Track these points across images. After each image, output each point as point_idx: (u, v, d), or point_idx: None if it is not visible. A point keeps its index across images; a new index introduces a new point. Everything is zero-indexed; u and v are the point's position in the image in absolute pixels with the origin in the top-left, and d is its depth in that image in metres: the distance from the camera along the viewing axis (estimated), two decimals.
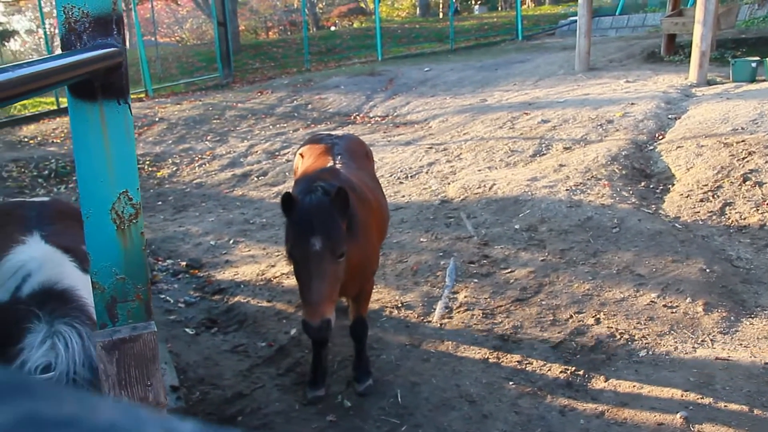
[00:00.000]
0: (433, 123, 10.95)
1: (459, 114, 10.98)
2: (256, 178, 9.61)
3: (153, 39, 20.79)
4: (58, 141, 12.22)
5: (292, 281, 5.95)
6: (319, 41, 23.65)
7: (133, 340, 1.81)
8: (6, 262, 3.02)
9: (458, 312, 5.25)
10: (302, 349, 4.89)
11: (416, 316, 5.25)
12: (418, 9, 33.53)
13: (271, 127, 12.35)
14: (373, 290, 5.63)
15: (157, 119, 12.98)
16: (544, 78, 12.91)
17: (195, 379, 4.60)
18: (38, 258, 3.01)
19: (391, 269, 6.01)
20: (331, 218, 3.48)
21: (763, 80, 10.71)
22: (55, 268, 2.97)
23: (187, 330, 5.31)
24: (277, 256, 6.52)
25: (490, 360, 4.62)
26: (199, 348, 5.02)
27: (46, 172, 10.42)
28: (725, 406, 4.01)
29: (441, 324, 5.12)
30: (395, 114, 12.26)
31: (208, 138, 11.91)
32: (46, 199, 4.00)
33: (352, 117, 12.60)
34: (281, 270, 6.21)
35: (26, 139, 12.44)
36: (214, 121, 12.89)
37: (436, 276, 5.79)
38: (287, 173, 9.32)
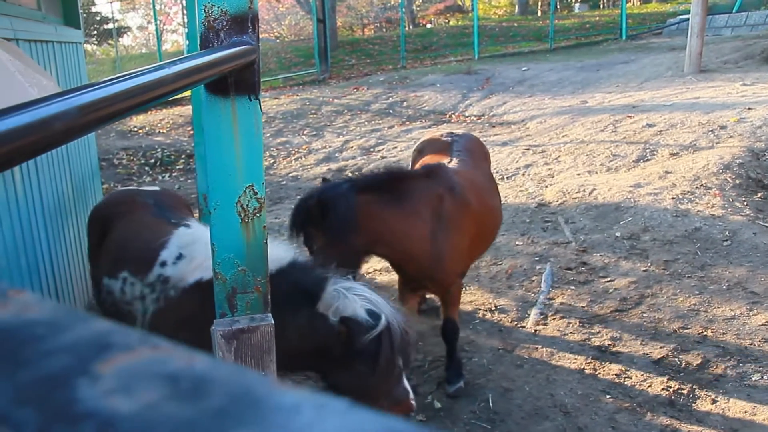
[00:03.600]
0: (530, 124, 10.72)
1: (558, 115, 10.70)
2: (350, 174, 9.75)
3: None
4: (164, 131, 12.87)
5: (388, 277, 5.99)
6: (415, 39, 23.68)
7: (250, 331, 1.87)
8: (191, 241, 3.21)
9: (554, 319, 5.11)
10: None
11: (510, 320, 5.16)
12: (516, 7, 32.94)
13: (366, 123, 12.49)
14: (466, 292, 5.59)
15: None
16: (650, 80, 12.36)
17: None
18: (197, 228, 3.38)
19: (485, 271, 5.93)
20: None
21: None
22: None
23: None
24: None
25: (587, 371, 4.47)
26: None
27: (153, 160, 11.00)
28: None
29: (535, 330, 5.00)
30: (491, 114, 12.10)
31: (305, 132, 12.19)
32: (156, 188, 4.11)
33: (448, 116, 12.54)
34: (374, 266, 6.26)
35: (135, 129, 13.18)
36: (311, 115, 13.17)
37: (531, 281, 5.66)
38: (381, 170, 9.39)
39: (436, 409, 4.21)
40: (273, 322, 1.89)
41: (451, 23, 32.57)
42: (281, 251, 3.02)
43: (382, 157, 10.19)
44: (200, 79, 1.49)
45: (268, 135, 12.09)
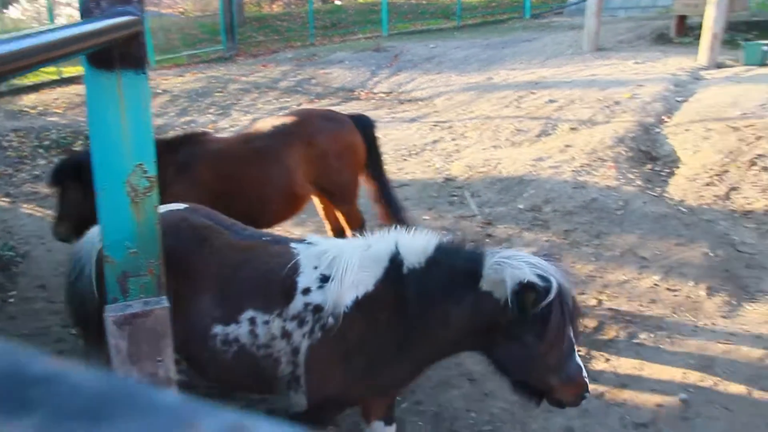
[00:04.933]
0: (438, 100, 10.88)
1: (464, 92, 10.91)
2: None
3: (156, 9, 20.58)
4: (60, 111, 12.15)
5: None
6: (324, 15, 23.38)
7: (145, 315, 1.82)
8: (329, 259, 2.84)
9: None
10: None
11: None
12: None
13: (274, 101, 12.28)
14: None
15: (159, 91, 12.89)
16: (552, 57, 12.79)
17: None
18: (325, 242, 3.01)
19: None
20: None
21: None
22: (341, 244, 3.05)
23: None
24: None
25: None
26: None
27: (47, 142, 10.37)
28: (725, 389, 4.04)
29: None
30: (400, 90, 12.18)
31: (211, 111, 11.84)
32: (181, 205, 3.27)
33: (357, 93, 12.52)
34: None
35: (27, 109, 12.37)
36: (217, 94, 12.81)
37: None
38: None
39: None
40: (168, 304, 1.85)
41: (360, 0, 32.36)
42: (421, 240, 2.83)
43: None
44: (79, 49, 1.42)
45: (173, 114, 11.66)
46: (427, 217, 6.50)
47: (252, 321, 2.82)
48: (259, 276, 2.88)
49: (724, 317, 4.81)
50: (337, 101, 12.03)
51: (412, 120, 9.91)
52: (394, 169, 7.87)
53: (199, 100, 12.47)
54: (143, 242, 1.85)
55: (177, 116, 11.53)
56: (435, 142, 8.64)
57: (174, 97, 12.53)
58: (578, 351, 2.83)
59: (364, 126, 4.96)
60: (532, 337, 2.64)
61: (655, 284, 5.16)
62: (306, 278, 2.82)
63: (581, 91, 9.68)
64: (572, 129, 8.40)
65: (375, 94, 12.36)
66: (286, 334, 2.79)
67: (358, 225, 4.96)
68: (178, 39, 19.93)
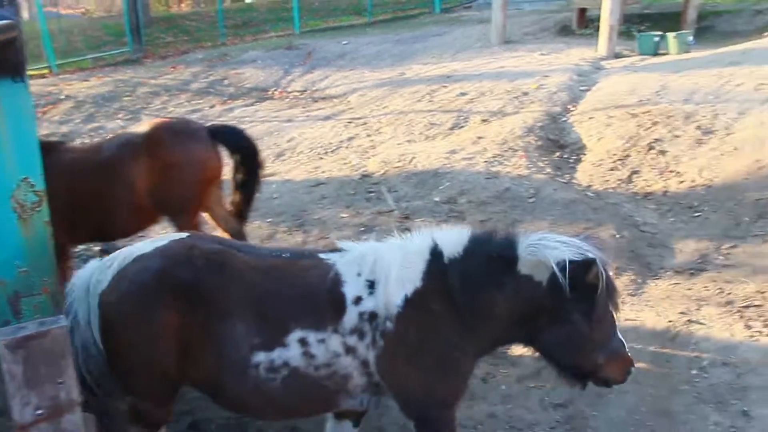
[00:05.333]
0: (352, 97, 10.89)
1: (378, 88, 10.97)
2: None
3: (55, 10, 19.57)
4: None
5: None
6: (234, 14, 22.92)
7: (41, 336, 1.72)
8: (369, 262, 2.77)
9: None
10: None
11: None
12: None
13: (186, 103, 11.94)
14: None
15: (62, 97, 12.27)
16: (462, 51, 13.05)
17: None
18: (359, 247, 2.90)
19: (313, 246, 5.98)
20: None
21: (665, 54, 11.24)
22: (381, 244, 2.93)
23: None
24: None
25: None
26: None
27: None
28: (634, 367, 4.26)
29: None
30: (314, 88, 12.10)
31: (120, 116, 11.38)
32: (181, 234, 3.02)
33: (270, 92, 12.35)
34: None
35: None
36: (126, 98, 12.32)
37: None
38: None
39: None
40: (66, 323, 1.76)
41: None
42: (455, 232, 2.84)
43: None
44: None
45: (78, 121, 11.13)
46: (345, 215, 6.49)
47: (303, 342, 2.68)
48: (299, 293, 2.74)
49: (631, 295, 5.06)
50: (251, 101, 11.83)
51: (327, 118, 9.87)
52: (310, 168, 7.83)
53: (107, 105, 11.96)
54: (34, 260, 1.75)
55: (83, 123, 11.01)
56: (350, 139, 8.65)
57: (79, 102, 11.96)
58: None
59: (228, 138, 4.79)
60: (578, 315, 2.68)
61: None
62: (353, 287, 2.73)
63: (491, 83, 9.92)
64: (483, 121, 8.60)
65: (289, 92, 12.23)
66: (350, 350, 2.69)
67: None
68: (80, 41, 19.01)
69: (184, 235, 2.96)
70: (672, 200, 6.52)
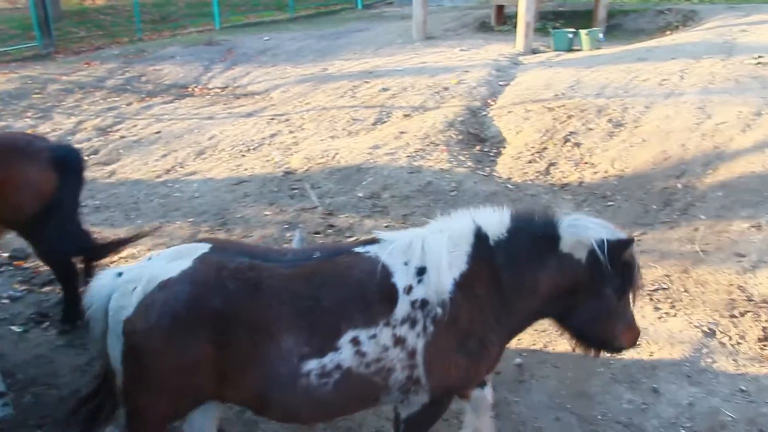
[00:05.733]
0: (274, 93, 10.74)
1: (300, 84, 10.87)
2: (86, 157, 8.88)
3: None
4: None
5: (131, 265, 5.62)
6: (151, 8, 22.14)
7: None
8: (415, 250, 2.76)
9: None
10: None
11: None
12: None
13: (101, 101, 11.46)
14: None
15: None
16: (384, 47, 13.10)
17: (25, 381, 4.23)
18: (401, 235, 2.89)
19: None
20: None
21: (578, 50, 11.67)
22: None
23: (13, 328, 4.85)
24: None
25: None
26: (29, 346, 4.61)
27: None
28: (553, 349, 4.45)
29: None
30: (236, 85, 11.86)
31: (29, 115, 10.81)
32: (203, 246, 2.82)
33: (190, 89, 12.01)
34: (119, 254, 5.84)
35: None
36: (35, 95, 11.71)
37: None
38: (121, 150, 8.73)
39: None
40: None
41: None
42: (495, 213, 2.89)
43: (122, 137, 9.44)
44: None
45: None
46: (268, 213, 6.40)
47: (355, 341, 2.65)
48: (347, 293, 2.69)
49: None
50: (170, 98, 11.47)
51: (249, 115, 9.70)
52: (232, 166, 7.68)
53: (14, 103, 11.32)
54: None
55: None
56: (273, 135, 8.53)
57: None
58: None
59: (63, 160, 4.60)
60: (611, 290, 2.86)
61: None
62: (402, 277, 2.72)
63: (412, 79, 10.01)
64: (406, 116, 8.67)
65: (210, 89, 11.94)
66: (399, 341, 2.69)
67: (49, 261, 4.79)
68: None
69: (204, 248, 2.77)
70: (587, 191, 6.76)
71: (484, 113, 8.67)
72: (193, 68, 12.98)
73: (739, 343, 4.45)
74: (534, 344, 4.49)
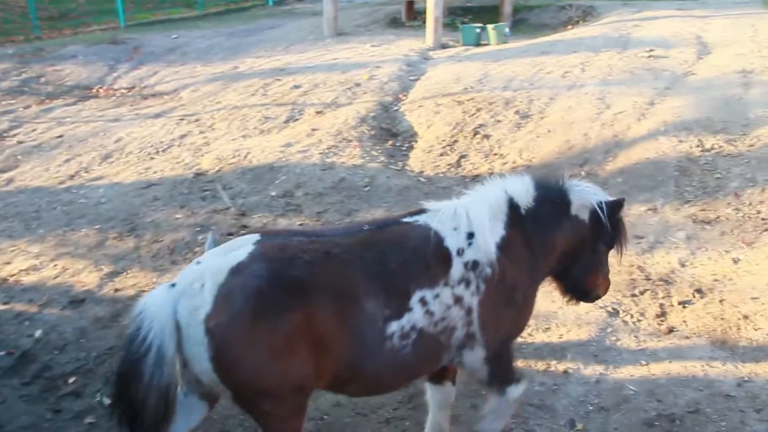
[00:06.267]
0: (183, 93, 10.47)
1: (210, 83, 10.64)
2: None
3: None
4: None
5: (32, 278, 5.37)
6: (49, 5, 21.01)
7: None
8: (459, 217, 3.00)
9: None
10: (50, 351, 4.46)
11: None
12: None
13: None
14: (127, 275, 5.34)
15: None
16: (295, 43, 13.02)
17: None
18: (445, 204, 3.10)
19: (147, 251, 5.71)
20: None
21: (486, 44, 11.99)
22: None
23: None
24: (12, 251, 5.82)
25: None
26: None
27: None
28: None
29: None
30: (143, 85, 11.48)
31: None
32: (254, 236, 2.77)
33: (95, 90, 11.53)
34: (19, 266, 5.57)
35: None
36: None
37: (194, 252, 5.61)
38: (19, 156, 8.28)
39: (105, 406, 3.97)
40: None
41: None
42: (522, 182, 3.19)
43: (19, 142, 8.96)
44: None
45: None
46: (179, 216, 6.25)
47: (423, 301, 2.82)
48: (409, 256, 2.85)
49: None
50: (73, 100, 10.97)
51: (158, 115, 9.42)
52: (140, 169, 7.45)
53: None
54: None
55: None
56: (183, 136, 8.32)
57: None
58: None
59: None
60: (602, 245, 3.35)
61: None
62: (453, 240, 2.95)
63: (324, 75, 10.01)
64: (318, 113, 8.66)
65: (115, 90, 11.50)
66: (457, 300, 2.90)
67: None
68: None
69: (255, 236, 2.74)
70: None
71: (396, 108, 8.78)
72: (97, 68, 12.47)
73: (639, 321, 4.72)
74: None
